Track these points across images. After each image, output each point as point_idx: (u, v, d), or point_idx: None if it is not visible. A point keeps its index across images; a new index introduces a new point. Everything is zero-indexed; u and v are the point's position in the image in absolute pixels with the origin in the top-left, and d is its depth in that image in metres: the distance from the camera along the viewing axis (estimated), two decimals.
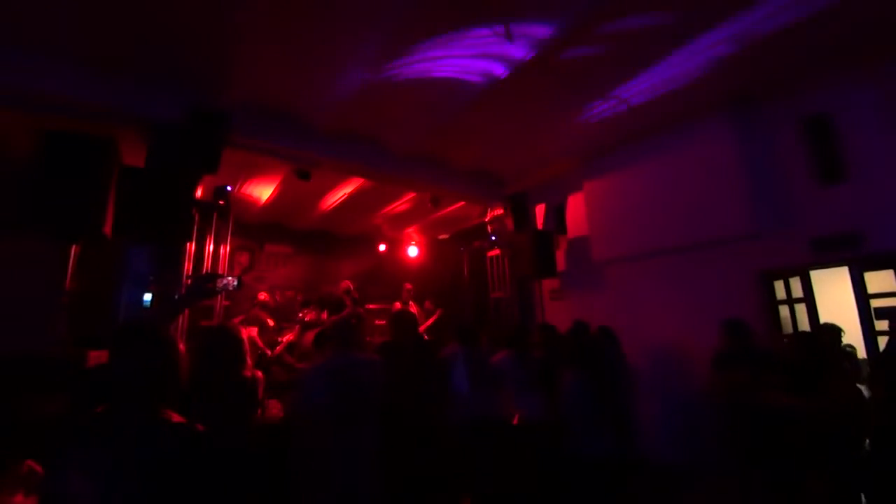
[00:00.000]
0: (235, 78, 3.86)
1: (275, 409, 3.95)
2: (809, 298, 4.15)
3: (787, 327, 4.25)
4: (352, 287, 6.40)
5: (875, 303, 3.79)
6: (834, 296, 5.39)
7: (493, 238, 6.89)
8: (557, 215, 6.46)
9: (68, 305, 3.52)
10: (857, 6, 3.14)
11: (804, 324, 4.12)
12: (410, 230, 8.85)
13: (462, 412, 3.42)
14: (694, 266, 4.75)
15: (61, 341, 3.34)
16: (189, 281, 4.55)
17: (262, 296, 6.08)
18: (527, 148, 5.48)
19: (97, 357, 3.16)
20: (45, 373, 2.84)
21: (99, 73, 3.60)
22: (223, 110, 3.95)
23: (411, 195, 6.69)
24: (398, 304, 6.58)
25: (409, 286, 6.93)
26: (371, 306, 7.47)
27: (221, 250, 5.76)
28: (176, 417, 1.32)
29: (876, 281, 3.83)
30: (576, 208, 6.10)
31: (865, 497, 2.71)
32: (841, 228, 3.84)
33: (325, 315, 5.83)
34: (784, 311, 4.28)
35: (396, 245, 9.05)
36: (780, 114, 4.29)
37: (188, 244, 4.79)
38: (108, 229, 3.12)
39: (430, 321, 6.50)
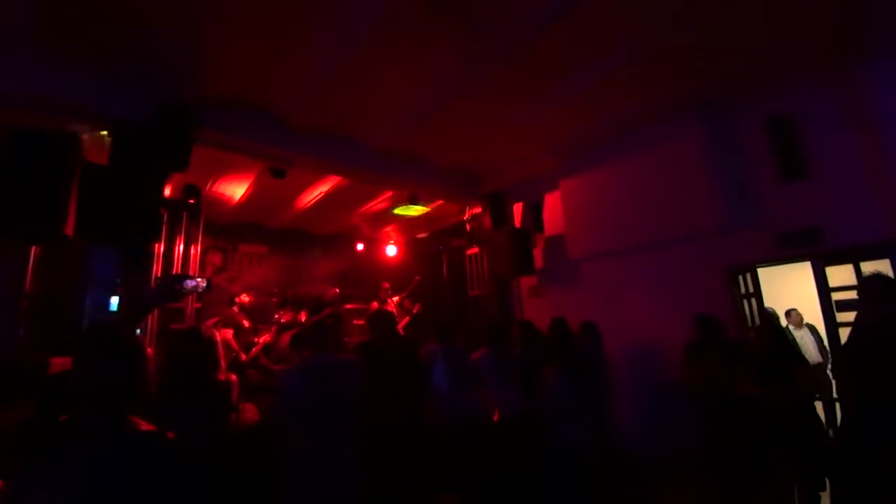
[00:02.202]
0: (205, 73, 3.74)
1: (250, 412, 3.86)
2: (757, 293, 4.34)
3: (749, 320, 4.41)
4: (338, 294, 6.30)
5: (836, 296, 3.97)
6: (795, 290, 5.63)
7: (472, 237, 6.91)
8: (535, 214, 6.52)
9: (28, 310, 3.36)
10: (817, 12, 3.28)
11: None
12: (388, 229, 8.79)
13: (443, 410, 3.41)
14: (667, 261, 4.87)
15: (21, 348, 3.18)
16: (156, 282, 4.40)
17: (245, 298, 5.93)
18: (503, 146, 5.51)
19: (60, 364, 3.02)
20: (3, 381, 2.70)
21: (59, 66, 3.42)
22: (192, 105, 3.82)
23: (389, 193, 6.65)
24: (375, 304, 6.53)
25: (386, 285, 6.88)
26: (349, 306, 7.39)
27: (192, 251, 5.59)
28: (145, 425, 1.26)
29: (837, 274, 4.01)
30: (553, 207, 6.17)
31: (830, 478, 2.84)
32: (803, 224, 3.99)
33: (301, 316, 5.73)
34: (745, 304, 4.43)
35: (374, 244, 8.98)
36: (745, 114, 4.44)
37: (156, 245, 4.64)
38: (69, 230, 2.98)
39: (408, 319, 6.47)
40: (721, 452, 3.37)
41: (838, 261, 3.95)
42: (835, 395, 4.58)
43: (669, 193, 4.64)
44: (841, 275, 3.98)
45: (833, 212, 3.85)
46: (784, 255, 4.17)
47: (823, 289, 3.99)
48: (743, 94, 4.36)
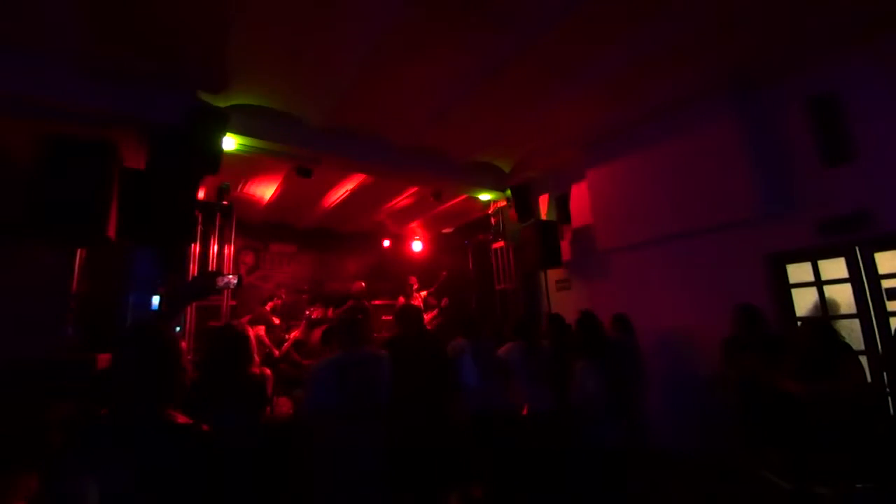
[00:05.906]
0: (232, 79, 3.85)
1: (285, 406, 3.98)
2: (818, 282, 4.09)
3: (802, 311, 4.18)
4: (364, 287, 6.41)
5: (886, 283, 3.73)
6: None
7: (497, 231, 6.85)
8: (561, 205, 6.40)
9: (76, 309, 3.55)
10: None
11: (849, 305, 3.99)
12: (414, 225, 8.83)
13: (471, 404, 3.41)
14: (700, 251, 4.69)
15: (70, 345, 3.37)
16: (191, 280, 4.58)
17: (277, 301, 6.10)
18: (527, 138, 5.43)
19: (106, 360, 3.19)
20: (54, 377, 2.87)
21: (96, 76, 3.59)
22: (221, 110, 3.94)
23: (413, 189, 6.67)
24: (402, 299, 6.59)
25: (413, 280, 6.93)
26: (377, 302, 7.49)
27: (226, 251, 5.78)
28: (181, 418, 1.32)
29: (887, 261, 3.77)
30: (579, 197, 6.05)
31: (877, 479, 2.68)
32: (848, 209, 3.77)
33: (331, 312, 5.85)
34: (807, 294, 4.19)
35: (400, 240, 9.04)
36: (784, 94, 4.21)
37: (193, 245, 4.82)
38: (111, 233, 3.13)
39: (436, 312, 6.50)
40: (758, 448, 3.24)
41: (888, 246, 3.71)
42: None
43: (702, 180, 4.46)
44: (891, 262, 3.74)
45: (882, 194, 3.61)
46: (828, 242, 3.94)
47: (872, 276, 3.77)
48: (781, 72, 4.13)
